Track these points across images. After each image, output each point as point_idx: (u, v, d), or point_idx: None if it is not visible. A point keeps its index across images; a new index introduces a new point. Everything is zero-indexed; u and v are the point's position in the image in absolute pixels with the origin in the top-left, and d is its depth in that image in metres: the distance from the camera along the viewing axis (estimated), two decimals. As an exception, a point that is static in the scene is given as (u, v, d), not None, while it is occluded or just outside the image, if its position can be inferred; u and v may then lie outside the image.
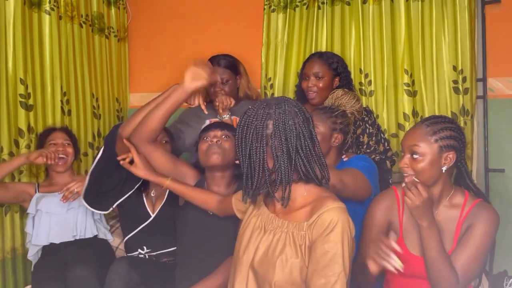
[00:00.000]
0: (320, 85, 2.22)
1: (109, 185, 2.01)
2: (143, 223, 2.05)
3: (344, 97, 1.95)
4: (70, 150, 2.26)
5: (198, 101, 1.89)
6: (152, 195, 2.11)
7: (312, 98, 2.23)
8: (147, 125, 1.73)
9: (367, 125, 2.20)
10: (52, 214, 2.12)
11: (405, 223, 1.56)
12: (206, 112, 1.93)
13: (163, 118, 1.73)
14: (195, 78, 1.69)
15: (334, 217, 1.22)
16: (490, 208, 1.49)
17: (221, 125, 1.87)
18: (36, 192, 2.19)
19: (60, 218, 2.13)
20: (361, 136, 2.19)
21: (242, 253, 1.37)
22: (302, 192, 1.31)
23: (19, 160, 2.10)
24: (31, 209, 2.14)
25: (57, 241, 2.11)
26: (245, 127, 1.28)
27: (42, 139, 2.27)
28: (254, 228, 1.39)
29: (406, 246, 1.53)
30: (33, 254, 2.14)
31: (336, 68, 2.27)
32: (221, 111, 2.16)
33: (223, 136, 1.82)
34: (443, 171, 1.47)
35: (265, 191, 1.32)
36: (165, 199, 2.06)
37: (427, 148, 1.46)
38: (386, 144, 2.23)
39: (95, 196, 1.99)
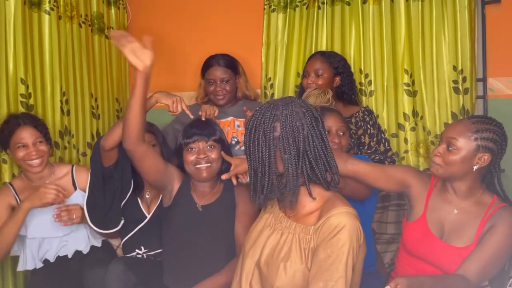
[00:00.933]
0: (320, 82, 2.22)
1: (106, 201, 1.99)
2: (140, 224, 2.05)
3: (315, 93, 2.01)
4: (43, 147, 1.95)
5: (180, 107, 1.86)
6: (147, 196, 2.12)
7: None
8: (130, 124, 1.64)
9: (368, 125, 2.20)
10: (47, 238, 1.99)
11: (431, 201, 1.59)
12: (192, 117, 1.90)
13: (139, 110, 1.62)
14: (139, 56, 1.61)
15: (341, 221, 1.19)
16: None
17: (204, 132, 1.83)
18: (16, 200, 1.96)
19: (56, 242, 2.01)
20: (363, 137, 2.19)
21: (249, 248, 1.37)
22: (313, 196, 1.29)
23: (24, 211, 1.87)
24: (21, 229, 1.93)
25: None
26: (253, 130, 1.26)
27: (7, 139, 1.93)
28: (266, 225, 1.39)
29: (427, 222, 1.56)
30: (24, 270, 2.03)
31: (337, 67, 2.27)
32: (203, 119, 2.11)
33: (208, 147, 1.82)
34: (474, 169, 1.48)
35: (277, 196, 1.30)
36: (159, 199, 2.06)
37: (464, 144, 1.46)
38: (386, 144, 2.23)
39: (102, 218, 1.98)
